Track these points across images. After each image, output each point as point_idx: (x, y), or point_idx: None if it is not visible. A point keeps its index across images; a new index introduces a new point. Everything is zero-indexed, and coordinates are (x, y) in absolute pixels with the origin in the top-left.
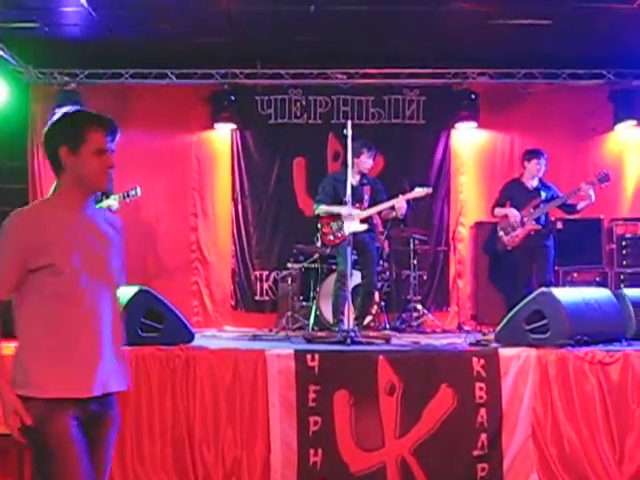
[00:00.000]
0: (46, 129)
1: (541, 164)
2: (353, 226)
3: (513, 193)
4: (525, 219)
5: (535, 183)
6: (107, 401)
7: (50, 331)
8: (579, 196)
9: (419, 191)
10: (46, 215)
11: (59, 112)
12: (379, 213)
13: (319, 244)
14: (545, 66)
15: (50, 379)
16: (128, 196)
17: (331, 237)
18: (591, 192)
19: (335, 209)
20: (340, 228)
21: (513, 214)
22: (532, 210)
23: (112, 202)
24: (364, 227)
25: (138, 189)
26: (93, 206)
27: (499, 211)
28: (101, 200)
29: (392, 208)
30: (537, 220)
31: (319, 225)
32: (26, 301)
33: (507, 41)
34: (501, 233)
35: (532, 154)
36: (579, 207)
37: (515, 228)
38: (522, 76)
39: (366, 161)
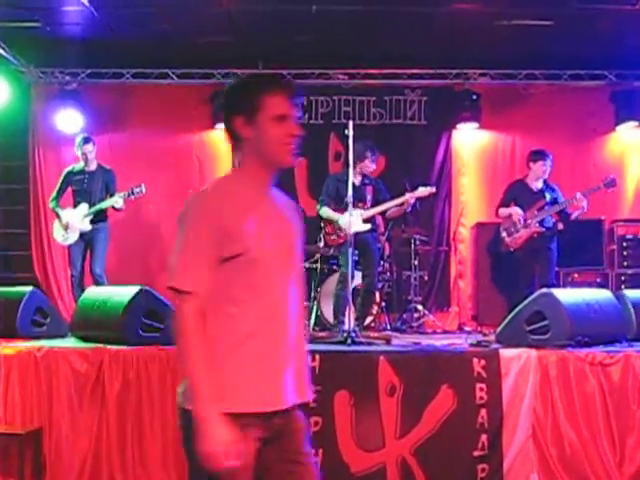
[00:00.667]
0: (221, 100)
1: (547, 166)
2: (357, 226)
3: (517, 194)
4: (529, 221)
5: (540, 184)
6: (293, 414)
7: (235, 331)
8: (573, 205)
9: (422, 190)
10: (233, 195)
11: (233, 82)
12: (383, 213)
13: (322, 244)
14: (547, 67)
15: (239, 388)
16: (133, 193)
17: (334, 237)
18: (584, 203)
19: (335, 217)
20: (344, 229)
21: (517, 214)
22: (536, 212)
23: (117, 200)
24: (367, 227)
25: (143, 186)
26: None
27: (503, 211)
28: (105, 198)
29: (400, 205)
30: (541, 222)
31: (322, 225)
32: (210, 296)
33: (509, 42)
34: (504, 234)
35: (538, 155)
36: (572, 216)
37: (518, 229)
38: (523, 77)
39: (369, 165)
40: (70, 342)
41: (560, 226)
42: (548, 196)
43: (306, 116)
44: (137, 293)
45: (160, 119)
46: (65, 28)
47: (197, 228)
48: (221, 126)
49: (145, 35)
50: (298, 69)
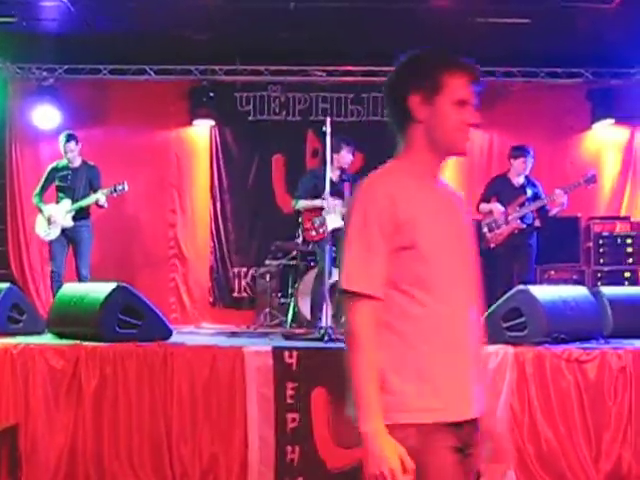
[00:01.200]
0: (392, 74)
1: (527, 162)
2: (336, 222)
3: (499, 189)
4: (510, 217)
5: (521, 180)
6: (474, 426)
7: (414, 334)
8: (553, 201)
9: None
10: (402, 184)
11: (409, 54)
12: None
13: (300, 240)
14: (524, 64)
15: (423, 397)
16: (115, 191)
17: (313, 233)
18: (564, 199)
19: (317, 202)
20: (322, 224)
21: (498, 210)
22: (517, 208)
23: (100, 196)
24: None
25: (125, 184)
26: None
27: (484, 207)
28: (88, 195)
29: None
30: (522, 218)
31: (300, 220)
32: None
33: (486, 39)
34: (485, 229)
35: (518, 151)
36: (551, 213)
37: (500, 225)
38: (501, 74)
39: (346, 156)
40: (47, 339)
41: (537, 223)
42: (529, 192)
43: (283, 113)
44: (114, 289)
45: (138, 115)
46: (42, 24)
47: (367, 221)
48: (199, 122)
49: (122, 31)
50: (276, 65)
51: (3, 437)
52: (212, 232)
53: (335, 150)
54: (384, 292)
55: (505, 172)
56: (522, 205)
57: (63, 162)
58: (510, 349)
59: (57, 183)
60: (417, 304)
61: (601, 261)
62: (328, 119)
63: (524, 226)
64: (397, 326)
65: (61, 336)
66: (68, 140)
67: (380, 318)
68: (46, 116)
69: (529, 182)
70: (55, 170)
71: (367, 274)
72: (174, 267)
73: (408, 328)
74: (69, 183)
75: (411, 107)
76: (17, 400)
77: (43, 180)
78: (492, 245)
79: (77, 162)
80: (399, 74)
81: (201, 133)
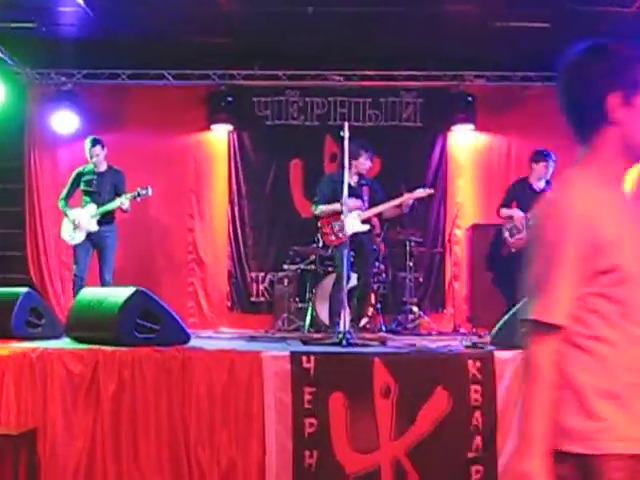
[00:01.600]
0: (577, 67)
1: (549, 166)
2: (355, 226)
3: (519, 194)
4: (530, 222)
5: (542, 184)
6: None
7: (614, 359)
8: None
9: (421, 192)
10: (596, 197)
11: (594, 44)
12: (379, 214)
13: (320, 245)
14: (542, 69)
15: (632, 426)
16: (139, 195)
17: (333, 237)
18: None
19: (336, 206)
20: (342, 228)
21: (518, 216)
22: None
23: (124, 201)
24: (366, 227)
25: (149, 189)
26: None
27: (505, 212)
28: (113, 199)
29: (398, 206)
30: None
31: (319, 225)
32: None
33: (504, 43)
34: (506, 234)
35: (540, 156)
36: None
37: (520, 230)
38: (519, 79)
39: (364, 162)
40: (65, 343)
41: None
42: None
43: (301, 117)
44: (132, 294)
45: (156, 120)
46: (61, 29)
47: (561, 242)
48: (217, 127)
49: (141, 36)
50: (294, 70)
51: (22, 441)
52: (230, 237)
53: (354, 156)
54: (578, 314)
55: (526, 177)
56: None
57: (89, 167)
58: None
59: (83, 187)
60: (613, 328)
61: None
62: (346, 124)
63: None
64: (595, 350)
65: (79, 340)
66: (94, 144)
67: (575, 341)
68: (65, 121)
69: (550, 186)
70: (81, 174)
71: (560, 304)
72: (192, 272)
73: (606, 352)
74: (95, 187)
75: (609, 108)
76: (35, 404)
77: (69, 184)
78: (513, 250)
79: (103, 167)
80: (592, 68)
81: (219, 138)
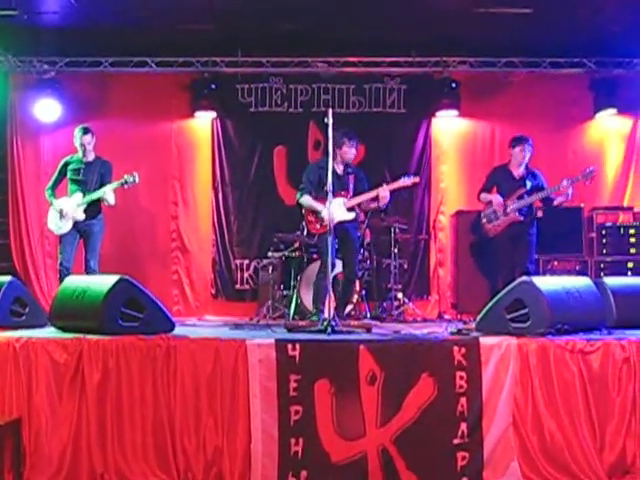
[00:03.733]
0: None
1: (526, 150)
2: (341, 215)
3: (499, 180)
4: (508, 209)
5: (521, 171)
6: None
7: None
8: (558, 192)
9: (405, 180)
10: None
11: None
12: (359, 204)
13: (305, 232)
14: (526, 55)
15: None
16: (126, 183)
17: (317, 226)
18: (570, 190)
19: (318, 207)
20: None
21: (498, 201)
22: (516, 200)
23: (108, 190)
24: (352, 215)
25: (136, 175)
26: None
27: (485, 197)
28: (98, 188)
29: (375, 199)
30: (520, 211)
31: (304, 213)
32: None
33: (488, 29)
34: (484, 220)
35: (517, 141)
36: (556, 202)
37: (498, 217)
38: (503, 65)
39: (348, 151)
40: (49, 332)
41: (539, 213)
42: (529, 184)
43: (285, 104)
44: (116, 282)
45: (139, 108)
46: (43, 16)
47: None
48: (201, 114)
49: (123, 23)
50: (277, 57)
51: (6, 431)
52: (214, 224)
53: (337, 145)
54: None
55: (506, 163)
56: (521, 197)
57: (77, 156)
58: (513, 340)
59: (70, 176)
60: None
61: (604, 251)
62: (330, 110)
63: (521, 218)
64: None
65: (64, 329)
66: (85, 132)
67: None
68: (47, 109)
69: (529, 173)
70: (68, 163)
71: None
72: (176, 259)
73: None
74: (82, 176)
75: None
76: (20, 394)
77: (56, 174)
78: (490, 235)
79: (91, 156)
80: None
81: (202, 125)
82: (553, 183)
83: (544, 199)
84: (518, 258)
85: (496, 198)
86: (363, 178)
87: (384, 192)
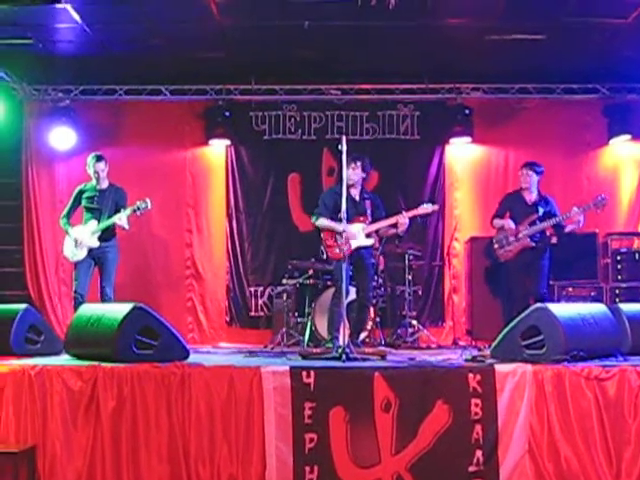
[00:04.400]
0: None
1: (529, 176)
2: (360, 240)
3: (512, 205)
4: (520, 235)
5: (534, 197)
6: None
7: None
8: (569, 219)
9: (426, 207)
10: None
11: None
12: (377, 230)
13: (324, 257)
14: (539, 81)
15: None
16: (139, 209)
17: (337, 250)
18: (581, 218)
19: (336, 226)
20: (346, 242)
21: (510, 227)
22: (528, 226)
23: (121, 216)
24: (371, 241)
25: (148, 201)
26: None
27: (497, 222)
28: (113, 215)
29: (394, 225)
30: (532, 237)
31: (322, 237)
32: None
33: (501, 56)
34: (496, 245)
35: (524, 166)
36: (567, 229)
37: (510, 242)
38: (516, 91)
39: (352, 172)
40: (64, 360)
41: (554, 240)
42: (541, 210)
43: (299, 132)
44: (131, 310)
45: (153, 135)
46: (58, 45)
47: None
48: (215, 142)
49: (138, 52)
50: (291, 85)
51: (21, 459)
52: (228, 251)
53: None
54: None
55: (518, 189)
56: (533, 223)
57: (91, 184)
58: (529, 367)
59: (84, 204)
60: None
61: (619, 277)
62: (344, 137)
63: (533, 244)
64: None
65: (78, 357)
66: (98, 160)
67: None
68: (62, 137)
69: (542, 200)
70: (82, 192)
71: None
72: (191, 287)
73: None
74: (96, 204)
75: None
76: (35, 421)
77: (71, 202)
78: (502, 260)
79: (105, 184)
80: None
81: (217, 153)
82: (567, 209)
83: (555, 226)
84: (531, 284)
85: (508, 223)
86: (379, 205)
87: (403, 219)
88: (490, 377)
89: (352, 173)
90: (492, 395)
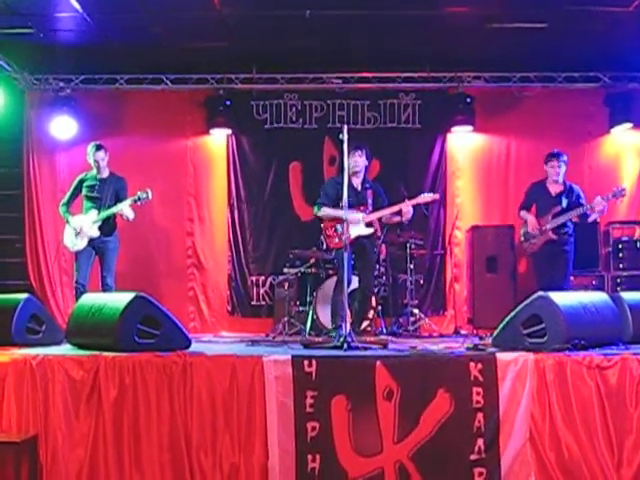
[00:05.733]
0: None
1: (558, 166)
2: (359, 229)
3: (537, 197)
4: (543, 228)
5: (559, 188)
6: None
7: None
8: (592, 209)
9: (427, 196)
10: None
11: None
12: (380, 218)
13: (324, 247)
14: (541, 69)
15: None
16: (140, 199)
17: (337, 240)
18: (603, 207)
19: (339, 213)
20: (346, 231)
21: (532, 223)
22: (551, 218)
23: (123, 206)
24: (371, 230)
25: (149, 192)
26: None
27: (523, 215)
28: (114, 205)
29: (398, 213)
30: (554, 229)
31: (323, 227)
32: None
33: (502, 44)
34: (522, 239)
35: (550, 156)
36: (590, 219)
37: (534, 235)
38: (517, 79)
39: (351, 160)
40: (65, 349)
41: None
42: (565, 201)
43: (300, 120)
44: (133, 299)
45: (154, 125)
46: (59, 34)
47: None
48: (216, 131)
49: (138, 41)
50: (292, 73)
51: (23, 448)
52: (230, 241)
53: None
54: None
55: (543, 179)
56: (556, 215)
57: (91, 173)
58: (530, 356)
59: (85, 193)
60: None
61: (620, 266)
62: (345, 126)
63: (555, 237)
64: None
65: (80, 347)
66: (98, 149)
67: None
68: (63, 126)
69: (567, 190)
70: (83, 180)
71: None
72: (192, 276)
73: None
74: (97, 193)
75: None
76: (37, 411)
77: (71, 190)
78: (529, 252)
79: (105, 173)
80: None
81: (218, 142)
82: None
83: (581, 215)
84: (556, 277)
85: (531, 219)
86: (381, 193)
87: (407, 207)
88: (492, 366)
89: (359, 160)
90: (494, 384)
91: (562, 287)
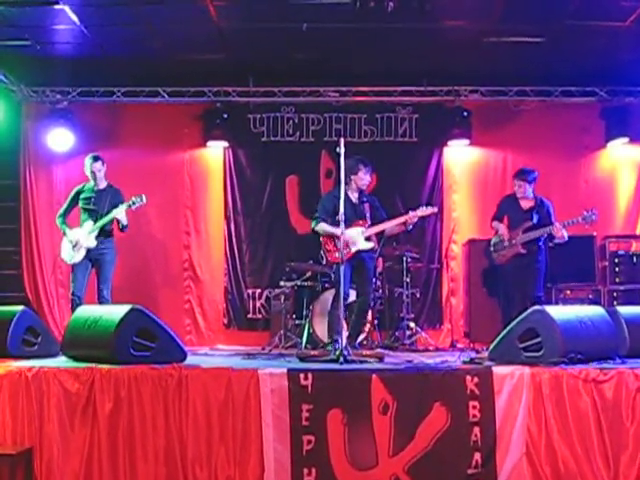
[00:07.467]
0: None
1: (521, 185)
2: (360, 244)
3: (508, 209)
4: (514, 241)
5: (529, 203)
6: None
7: None
8: (553, 232)
9: (424, 210)
10: None
11: None
12: (381, 231)
13: (324, 262)
14: (537, 83)
15: None
16: (134, 204)
17: (337, 254)
18: (563, 233)
19: (336, 231)
20: (346, 245)
21: (503, 232)
22: (521, 233)
23: (118, 211)
24: (371, 245)
25: (143, 197)
26: None
27: (495, 225)
28: (109, 212)
29: (402, 223)
30: (523, 244)
31: (322, 241)
32: None
33: (499, 58)
34: (492, 249)
35: (517, 174)
36: (555, 241)
37: (504, 247)
38: (514, 93)
39: (364, 177)
40: (61, 362)
41: (550, 243)
42: (535, 217)
43: (297, 134)
44: (128, 312)
45: (151, 137)
46: (56, 47)
47: None
48: (213, 144)
49: (136, 53)
50: (289, 87)
51: (18, 461)
52: (226, 253)
53: (352, 171)
54: None
55: (513, 192)
56: (527, 230)
57: (89, 185)
58: (526, 370)
59: (81, 205)
60: None
61: (617, 280)
62: (342, 140)
63: (524, 251)
64: None
65: (76, 359)
66: (95, 160)
67: None
68: (60, 139)
69: (538, 205)
70: (80, 192)
71: None
72: (188, 289)
73: None
74: (93, 205)
75: None
76: (32, 423)
77: (68, 201)
78: (498, 263)
79: (102, 184)
80: None
81: (215, 154)
82: (564, 212)
83: (548, 235)
84: (527, 287)
85: (502, 229)
86: (379, 207)
87: (412, 219)
88: (488, 379)
89: (364, 178)
90: (490, 397)
91: (536, 298)
